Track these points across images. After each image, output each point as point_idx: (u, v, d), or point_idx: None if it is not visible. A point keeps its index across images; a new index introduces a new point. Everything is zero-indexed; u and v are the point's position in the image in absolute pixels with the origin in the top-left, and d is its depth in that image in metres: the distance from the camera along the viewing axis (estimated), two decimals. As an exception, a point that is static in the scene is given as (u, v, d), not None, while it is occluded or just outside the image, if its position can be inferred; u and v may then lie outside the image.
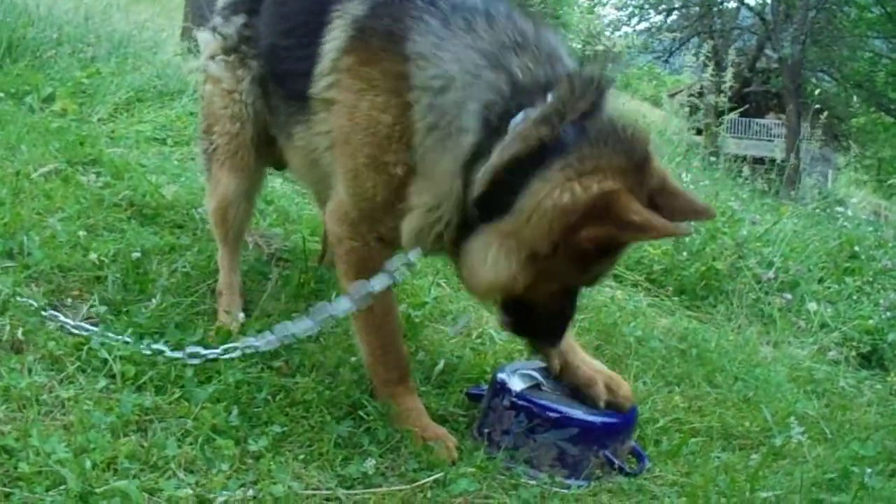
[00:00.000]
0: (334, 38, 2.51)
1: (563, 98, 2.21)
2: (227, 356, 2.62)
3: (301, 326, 2.60)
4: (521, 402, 2.59)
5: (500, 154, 2.20)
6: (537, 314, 2.44)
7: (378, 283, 2.50)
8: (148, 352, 2.61)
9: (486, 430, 2.64)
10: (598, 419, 2.61)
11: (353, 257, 2.59)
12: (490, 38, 2.32)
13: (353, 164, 2.46)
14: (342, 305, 2.54)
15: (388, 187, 2.41)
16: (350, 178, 2.49)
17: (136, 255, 3.25)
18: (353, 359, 2.78)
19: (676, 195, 2.30)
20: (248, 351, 2.63)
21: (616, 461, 2.60)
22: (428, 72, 2.32)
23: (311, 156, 2.69)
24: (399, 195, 2.41)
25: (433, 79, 2.31)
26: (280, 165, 3.23)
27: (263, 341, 2.63)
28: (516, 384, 2.62)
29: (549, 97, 2.22)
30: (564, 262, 2.23)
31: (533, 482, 2.50)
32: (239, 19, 3.03)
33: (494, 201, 2.23)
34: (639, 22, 33.20)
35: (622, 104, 2.51)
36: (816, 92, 15.51)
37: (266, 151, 3.09)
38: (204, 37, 3.18)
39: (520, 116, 2.21)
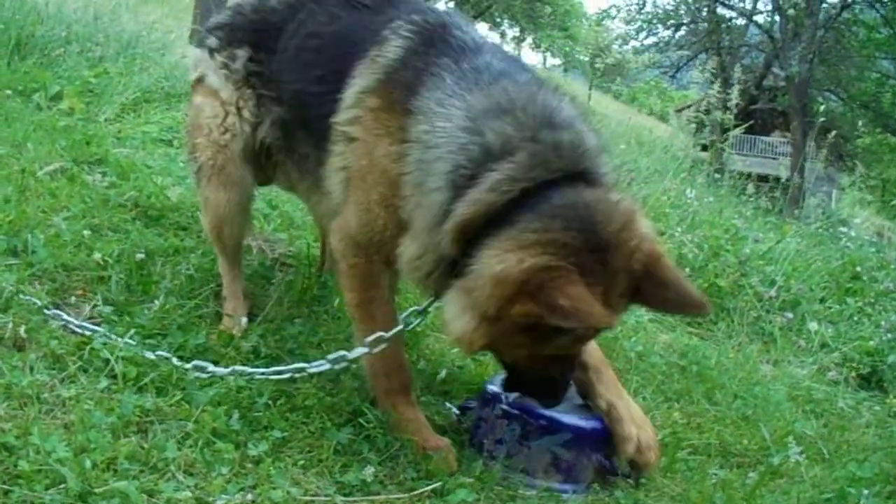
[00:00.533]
0: (363, 75, 2.52)
1: (520, 165, 2.17)
2: (233, 378, 2.62)
3: (314, 366, 2.63)
4: (513, 411, 2.60)
5: (453, 218, 2.20)
6: (524, 374, 2.44)
7: (392, 331, 2.55)
8: (152, 357, 2.62)
9: (480, 441, 2.65)
10: (589, 424, 2.61)
11: (357, 272, 2.61)
12: (483, 101, 2.30)
13: (366, 199, 2.49)
14: (357, 351, 2.59)
15: (397, 226, 2.43)
16: (363, 211, 2.51)
17: (140, 256, 3.27)
18: (354, 366, 2.78)
19: (666, 285, 2.20)
20: (258, 377, 2.62)
21: (610, 464, 2.61)
22: (422, 126, 2.33)
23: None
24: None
25: (425, 133, 2.32)
26: (266, 181, 3.22)
27: (274, 370, 2.65)
28: (507, 393, 2.62)
29: (505, 164, 2.17)
30: (516, 331, 2.17)
31: (531, 492, 2.51)
32: (243, 52, 2.98)
33: (460, 260, 2.22)
34: (647, 36, 33.29)
35: (621, 171, 2.44)
36: (821, 108, 15.48)
37: (257, 171, 3.07)
38: (196, 53, 3.16)
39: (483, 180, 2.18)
